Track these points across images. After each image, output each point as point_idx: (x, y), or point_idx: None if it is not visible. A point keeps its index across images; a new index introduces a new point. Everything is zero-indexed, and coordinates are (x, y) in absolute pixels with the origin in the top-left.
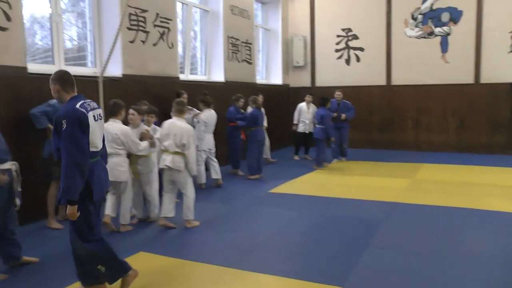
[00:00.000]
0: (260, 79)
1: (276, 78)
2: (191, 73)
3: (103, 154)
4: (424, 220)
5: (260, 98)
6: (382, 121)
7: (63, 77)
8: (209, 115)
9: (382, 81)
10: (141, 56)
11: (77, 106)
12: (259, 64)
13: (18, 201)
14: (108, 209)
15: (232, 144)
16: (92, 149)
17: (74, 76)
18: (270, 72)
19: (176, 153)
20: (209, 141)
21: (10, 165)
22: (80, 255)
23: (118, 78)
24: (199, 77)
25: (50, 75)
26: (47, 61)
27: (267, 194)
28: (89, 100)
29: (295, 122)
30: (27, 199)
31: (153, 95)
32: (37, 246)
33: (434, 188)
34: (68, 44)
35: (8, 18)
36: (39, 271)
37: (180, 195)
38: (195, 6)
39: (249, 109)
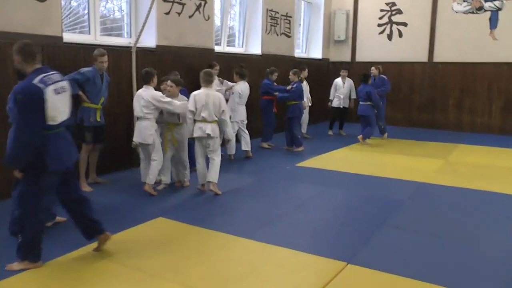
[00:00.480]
0: (300, 53)
1: (316, 52)
2: (228, 45)
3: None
4: (447, 202)
5: (306, 72)
6: (423, 100)
7: (23, 49)
8: (243, 87)
9: (425, 58)
10: (176, 28)
11: (34, 81)
12: (299, 37)
13: None
14: (144, 177)
15: (266, 118)
16: (49, 122)
17: (109, 46)
18: (310, 46)
19: (214, 121)
20: (242, 113)
21: None
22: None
23: (152, 49)
24: (236, 49)
25: (84, 44)
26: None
27: (295, 167)
28: (53, 72)
29: (330, 98)
30: None
31: (187, 66)
32: None
33: (467, 170)
34: (106, 15)
35: None
36: (67, 230)
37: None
38: None
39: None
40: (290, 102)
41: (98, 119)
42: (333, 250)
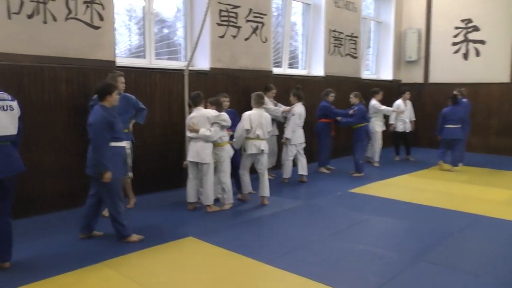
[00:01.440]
0: (369, 74)
1: (386, 73)
2: (291, 67)
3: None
4: (502, 238)
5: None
6: (502, 124)
7: None
8: (302, 109)
9: (505, 78)
10: (231, 50)
11: None
12: (368, 58)
13: (130, 174)
14: (190, 197)
15: (323, 141)
16: None
17: (162, 69)
18: (380, 67)
19: (266, 139)
20: (300, 136)
21: (125, 143)
22: None
23: (205, 71)
24: (296, 71)
25: (136, 68)
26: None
27: (346, 193)
28: (2, 92)
29: (392, 122)
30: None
31: (242, 89)
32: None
33: None
34: (163, 40)
35: (101, 18)
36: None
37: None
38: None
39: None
40: (355, 126)
41: None
42: (351, 283)
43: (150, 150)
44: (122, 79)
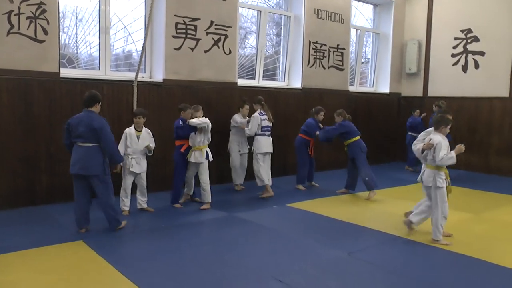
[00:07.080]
0: (367, 88)
1: (384, 86)
2: (272, 79)
3: None
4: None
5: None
6: (503, 142)
7: None
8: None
9: (505, 93)
10: (188, 62)
11: None
12: (368, 71)
13: None
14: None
15: (300, 159)
16: None
17: (119, 81)
18: (378, 79)
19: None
20: (266, 144)
21: None
22: None
23: (158, 83)
24: (273, 83)
25: (80, 79)
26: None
27: (283, 207)
28: None
29: None
30: None
31: (203, 100)
32: None
33: (486, 231)
34: (120, 51)
35: (45, 32)
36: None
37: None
38: (270, 11)
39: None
40: (347, 142)
41: None
42: None
43: None
44: None
